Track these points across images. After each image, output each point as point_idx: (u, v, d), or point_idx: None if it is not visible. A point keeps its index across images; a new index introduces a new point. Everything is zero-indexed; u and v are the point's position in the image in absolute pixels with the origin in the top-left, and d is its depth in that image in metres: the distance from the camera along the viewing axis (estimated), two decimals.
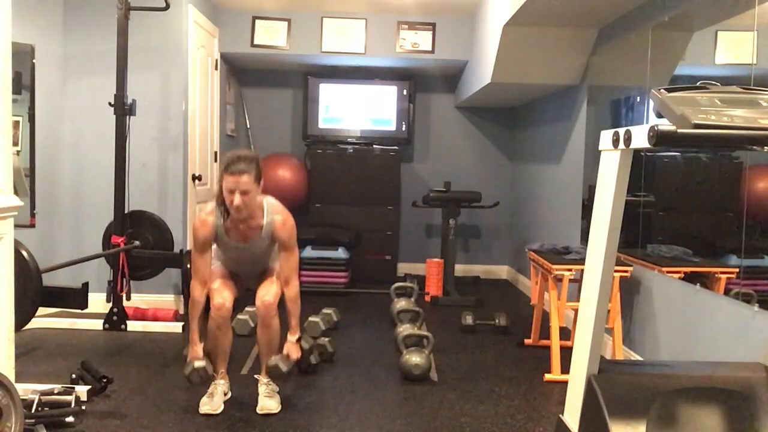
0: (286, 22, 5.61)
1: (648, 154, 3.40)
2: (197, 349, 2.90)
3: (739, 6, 2.68)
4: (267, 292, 2.93)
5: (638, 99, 3.66)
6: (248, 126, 6.50)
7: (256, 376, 3.04)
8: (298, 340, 2.99)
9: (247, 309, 4.11)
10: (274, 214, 2.90)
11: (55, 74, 4.53)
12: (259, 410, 2.88)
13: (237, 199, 2.72)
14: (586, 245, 2.18)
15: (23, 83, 4.17)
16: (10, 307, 2.53)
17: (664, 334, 3.22)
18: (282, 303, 2.96)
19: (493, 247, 6.75)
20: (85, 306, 3.47)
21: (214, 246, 2.99)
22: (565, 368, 2.66)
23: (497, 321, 4.36)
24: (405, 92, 6.33)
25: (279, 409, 2.90)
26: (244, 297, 3.23)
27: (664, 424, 1.91)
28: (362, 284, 5.75)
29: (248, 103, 6.52)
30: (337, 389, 3.24)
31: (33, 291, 2.94)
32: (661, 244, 3.41)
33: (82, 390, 2.87)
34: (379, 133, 6.33)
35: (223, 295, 2.91)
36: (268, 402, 2.90)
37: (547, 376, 3.43)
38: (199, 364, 2.84)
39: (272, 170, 5.96)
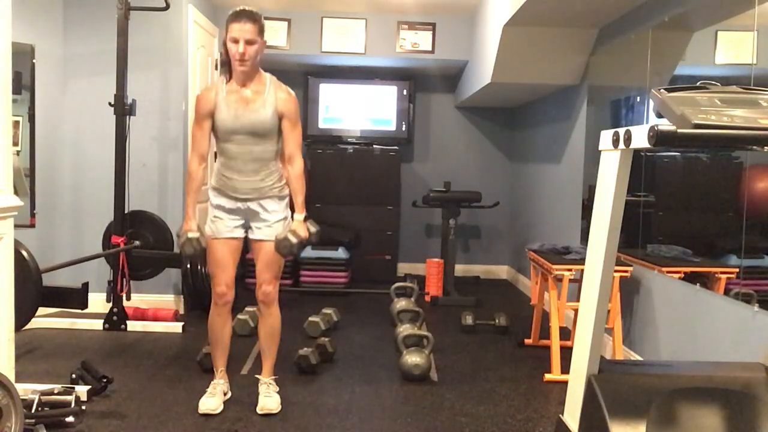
0: (286, 22, 5.61)
1: (648, 154, 3.40)
2: (191, 223, 2.87)
3: (739, 6, 2.68)
4: (266, 280, 2.90)
5: (638, 99, 3.66)
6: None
7: (256, 375, 3.04)
8: (306, 219, 2.89)
9: (247, 309, 4.11)
10: (278, 87, 2.87)
11: (55, 74, 4.53)
12: (259, 410, 2.87)
13: (241, 47, 2.70)
14: (586, 245, 2.18)
15: (23, 83, 4.16)
16: (10, 307, 2.52)
17: (664, 334, 3.22)
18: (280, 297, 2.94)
19: (493, 247, 6.75)
20: (85, 306, 3.47)
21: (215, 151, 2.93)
22: (565, 368, 2.66)
23: (497, 321, 4.36)
24: (405, 92, 6.33)
25: (279, 409, 2.89)
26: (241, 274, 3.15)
27: (664, 424, 1.91)
28: (362, 284, 5.75)
29: None
30: (337, 389, 3.24)
31: (33, 291, 2.94)
32: (661, 244, 3.41)
33: (82, 390, 2.87)
34: (379, 133, 6.33)
35: (225, 281, 2.90)
36: (268, 402, 2.90)
37: (547, 376, 3.43)
38: (192, 234, 2.82)
39: None
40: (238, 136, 2.82)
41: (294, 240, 2.80)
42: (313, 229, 2.91)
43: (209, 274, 3.00)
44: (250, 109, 2.81)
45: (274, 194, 2.91)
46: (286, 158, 2.91)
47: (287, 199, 2.97)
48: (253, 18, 2.75)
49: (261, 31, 2.78)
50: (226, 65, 2.84)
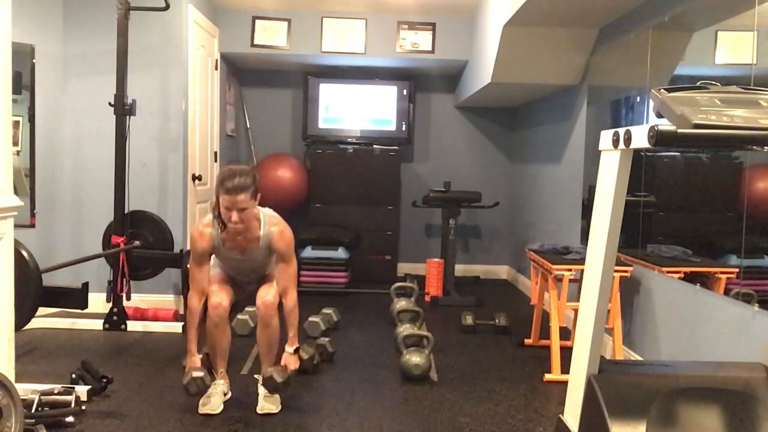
0: (286, 22, 5.61)
1: (648, 154, 3.40)
2: (195, 359, 2.91)
3: (739, 6, 2.68)
4: (267, 292, 2.94)
5: (638, 99, 3.66)
6: (248, 126, 6.50)
7: (255, 376, 3.04)
8: (296, 351, 2.98)
9: (247, 309, 4.11)
10: (271, 225, 2.91)
11: (55, 74, 4.53)
12: (259, 410, 2.88)
13: (234, 217, 2.74)
14: (586, 245, 2.18)
15: (23, 83, 4.17)
16: (10, 307, 2.53)
17: (664, 334, 3.22)
18: (281, 307, 2.97)
19: (493, 247, 6.75)
20: (85, 306, 3.47)
21: (213, 256, 3.01)
22: (565, 368, 2.66)
23: (497, 321, 4.36)
24: (405, 92, 6.33)
25: (279, 409, 2.89)
26: (243, 299, 3.23)
27: (664, 424, 1.91)
28: (362, 284, 5.74)
29: (248, 103, 6.52)
30: (337, 389, 3.24)
31: (33, 291, 2.94)
32: (661, 244, 3.41)
33: (82, 390, 2.87)
34: (379, 133, 6.33)
35: (220, 296, 2.93)
36: (268, 402, 2.90)
37: (547, 376, 3.43)
38: (197, 374, 2.83)
39: (272, 170, 5.96)
40: (236, 267, 3.03)
41: (279, 379, 2.85)
42: (305, 355, 3.13)
43: (208, 292, 2.99)
44: (247, 254, 2.93)
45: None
46: (280, 291, 2.96)
47: None
48: (246, 186, 2.73)
49: (254, 194, 2.79)
50: (219, 218, 2.83)
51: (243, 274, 3.07)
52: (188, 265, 2.99)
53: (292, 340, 2.96)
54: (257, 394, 2.95)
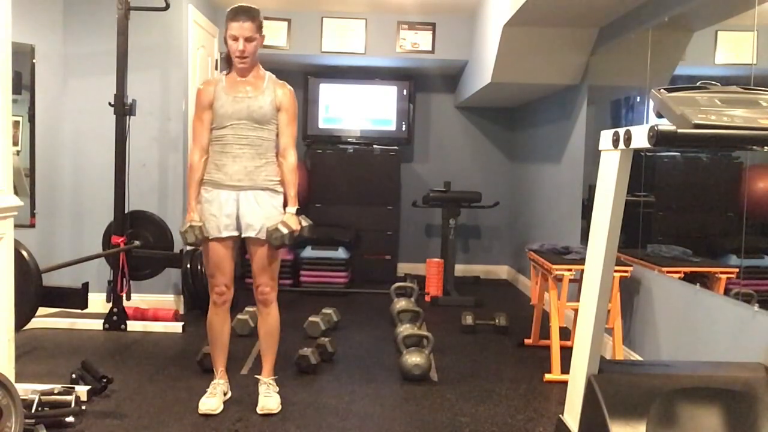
0: (286, 22, 5.61)
1: (648, 154, 3.40)
2: (194, 214, 2.88)
3: (739, 6, 2.68)
4: (264, 280, 2.92)
5: (638, 99, 3.66)
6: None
7: (256, 376, 3.04)
8: (297, 212, 2.94)
9: (247, 309, 4.10)
10: (276, 83, 2.94)
11: (55, 74, 4.53)
12: (259, 410, 2.87)
13: (241, 45, 2.79)
14: (586, 245, 2.18)
15: (23, 83, 4.17)
16: (10, 307, 2.52)
17: (664, 334, 3.22)
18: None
19: (493, 247, 6.75)
20: (85, 306, 3.47)
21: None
22: (565, 368, 2.65)
23: (497, 321, 4.36)
24: (405, 92, 6.33)
25: (279, 409, 2.89)
26: (240, 271, 3.18)
27: (664, 424, 1.91)
28: (362, 284, 5.75)
29: None
30: (337, 389, 3.24)
31: (33, 291, 2.94)
32: (661, 244, 3.41)
33: (82, 390, 2.87)
34: (379, 133, 6.33)
35: (223, 280, 2.91)
36: (268, 402, 2.90)
37: (547, 376, 3.43)
38: (195, 223, 2.84)
39: None
40: (234, 121, 2.86)
41: (285, 230, 2.82)
42: (305, 223, 2.93)
43: (207, 275, 3.00)
44: (249, 96, 2.89)
45: (268, 187, 2.90)
46: (280, 150, 2.95)
47: (281, 198, 2.95)
48: (252, 15, 2.83)
49: (260, 28, 2.87)
50: (226, 60, 2.92)
51: (239, 143, 2.86)
52: (192, 124, 3.00)
53: (293, 199, 2.92)
54: (257, 394, 2.95)
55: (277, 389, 2.98)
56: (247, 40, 2.81)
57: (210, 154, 2.92)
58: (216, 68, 5.43)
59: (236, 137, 2.86)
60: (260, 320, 3.01)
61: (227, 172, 2.86)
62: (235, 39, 2.81)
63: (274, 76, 2.99)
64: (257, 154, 2.88)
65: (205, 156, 2.91)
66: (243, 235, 2.92)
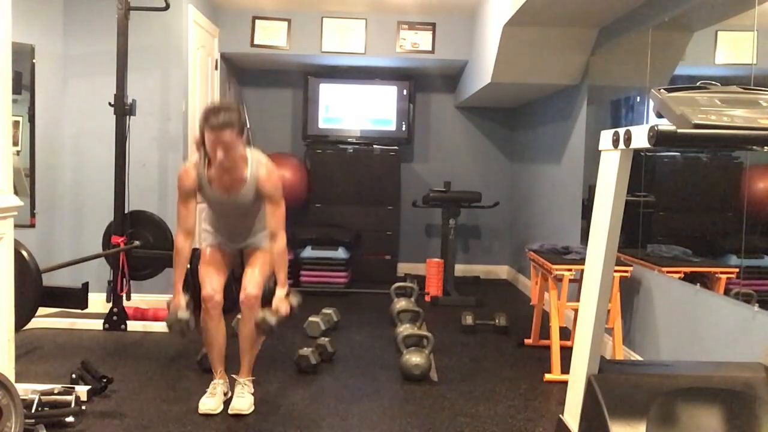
0: (286, 22, 5.61)
1: (648, 154, 3.40)
2: (180, 298, 2.88)
3: (739, 6, 2.68)
4: (250, 282, 2.91)
5: (638, 99, 3.66)
6: (248, 126, 6.48)
7: (233, 375, 3.02)
8: (287, 294, 2.92)
9: None
10: (258, 167, 2.86)
11: (55, 74, 4.53)
12: (229, 410, 2.86)
13: (220, 155, 2.68)
14: (586, 245, 2.18)
15: (23, 83, 4.17)
16: (10, 307, 2.53)
17: (664, 334, 3.22)
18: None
19: (493, 247, 6.75)
20: (85, 306, 3.47)
21: (204, 206, 2.99)
22: (565, 368, 2.65)
23: (497, 321, 4.36)
24: (405, 92, 6.33)
25: (251, 410, 2.87)
26: (231, 281, 3.20)
27: (664, 424, 1.91)
28: (362, 284, 5.75)
29: (248, 103, 6.52)
30: (337, 389, 3.24)
31: (33, 291, 2.94)
32: (661, 244, 3.41)
33: (82, 390, 2.87)
34: (379, 133, 6.33)
35: (212, 285, 2.92)
36: (238, 402, 2.88)
37: (547, 376, 3.43)
38: (182, 315, 2.81)
39: None
40: (227, 214, 2.95)
41: (272, 321, 2.82)
42: (294, 301, 2.97)
43: (199, 279, 2.99)
44: (233, 193, 2.88)
45: (263, 232, 3.01)
46: (269, 233, 2.93)
47: None
48: (230, 122, 2.67)
49: (240, 130, 2.73)
50: (204, 153, 2.78)
51: (231, 221, 2.98)
52: (176, 206, 2.95)
53: (282, 283, 2.90)
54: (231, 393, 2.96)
55: (252, 390, 2.98)
56: (227, 148, 2.68)
57: (207, 212, 3.00)
58: (216, 68, 5.43)
59: (233, 223, 2.99)
60: (241, 324, 2.99)
61: (228, 239, 3.03)
62: (214, 147, 2.68)
63: (256, 155, 2.89)
64: (251, 225, 3.00)
65: (191, 238, 2.91)
66: (244, 250, 3.06)
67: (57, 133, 4.57)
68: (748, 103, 1.75)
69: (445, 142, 6.67)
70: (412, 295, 4.72)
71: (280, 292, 2.89)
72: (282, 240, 2.91)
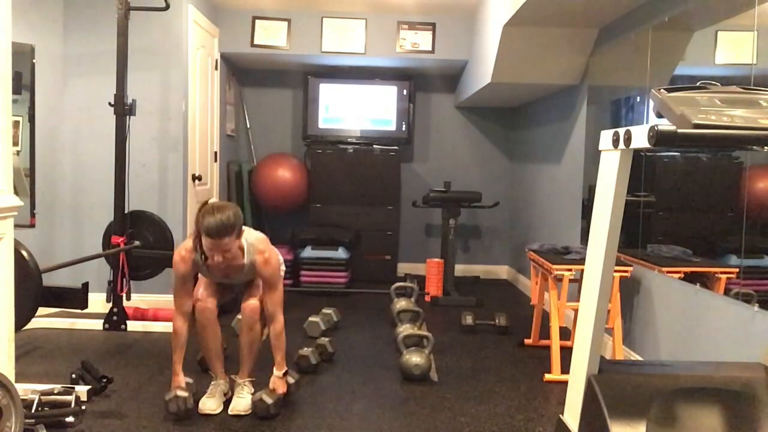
0: (286, 22, 5.61)
1: (648, 154, 3.40)
2: (180, 379, 2.87)
3: (739, 6, 2.68)
4: (252, 295, 2.96)
5: (638, 99, 3.66)
6: (248, 126, 6.50)
7: (232, 376, 3.02)
8: (285, 374, 2.96)
9: None
10: (255, 253, 2.85)
11: (55, 74, 4.53)
12: (230, 411, 2.87)
13: (218, 258, 2.72)
14: (586, 245, 2.18)
15: (23, 83, 4.16)
16: (10, 307, 2.52)
17: (664, 334, 3.22)
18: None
19: (493, 247, 6.75)
20: (85, 306, 3.47)
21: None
22: (565, 368, 2.65)
23: (497, 321, 4.36)
24: (405, 92, 6.33)
25: (250, 411, 2.87)
26: (231, 301, 3.22)
27: (664, 424, 1.91)
28: (362, 284, 5.75)
29: (248, 103, 6.52)
30: (337, 389, 3.24)
31: (33, 291, 2.94)
32: (661, 244, 3.41)
33: (82, 390, 2.87)
34: (379, 133, 6.33)
35: (207, 299, 2.95)
36: (238, 403, 2.89)
37: (547, 376, 3.43)
38: (182, 393, 2.77)
39: (272, 170, 5.96)
40: (222, 284, 3.03)
41: (269, 401, 2.81)
42: (291, 380, 3.00)
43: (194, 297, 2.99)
44: (231, 277, 2.94)
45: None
46: (267, 316, 2.93)
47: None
48: (229, 231, 2.68)
49: (238, 234, 2.75)
50: (200, 249, 2.78)
51: (229, 287, 3.10)
52: (173, 287, 2.94)
53: (279, 364, 2.94)
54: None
55: (252, 391, 2.97)
56: (225, 251, 2.71)
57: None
58: (216, 68, 5.43)
59: (227, 287, 3.08)
60: (242, 333, 2.99)
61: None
62: (212, 251, 2.70)
63: (253, 240, 2.87)
64: (248, 280, 3.04)
65: (188, 321, 2.90)
66: None
67: (57, 133, 4.57)
68: (748, 103, 1.75)
69: (445, 142, 6.67)
70: (412, 295, 4.72)
71: (278, 372, 2.94)
72: (280, 322, 2.92)
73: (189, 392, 2.81)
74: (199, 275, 3.04)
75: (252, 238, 2.88)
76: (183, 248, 2.88)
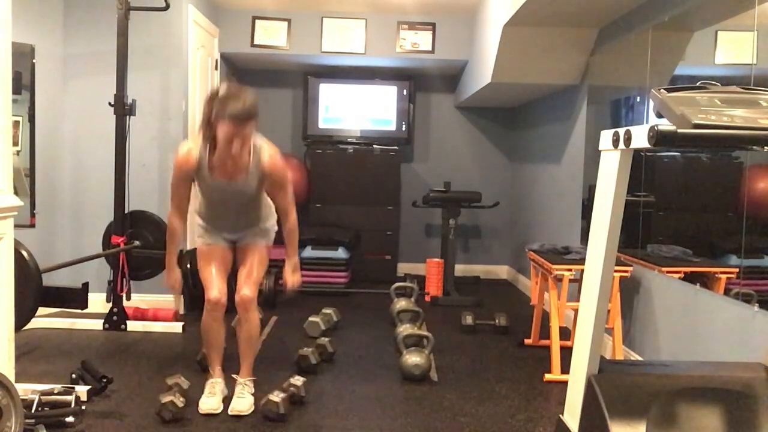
0: (286, 22, 5.61)
1: (648, 154, 3.40)
2: (175, 273, 2.88)
3: (739, 6, 2.68)
4: (246, 283, 2.90)
5: (638, 99, 3.66)
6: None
7: (233, 375, 3.02)
8: (296, 266, 3.00)
9: None
10: (261, 152, 2.76)
11: (55, 74, 4.53)
12: (229, 411, 2.86)
13: (236, 147, 2.60)
14: (586, 245, 2.18)
15: (23, 83, 4.16)
16: (10, 307, 2.52)
17: (664, 334, 3.22)
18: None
19: (493, 247, 6.75)
20: (85, 306, 3.47)
21: (197, 197, 2.93)
22: (565, 368, 2.65)
23: (497, 321, 4.36)
24: (405, 92, 6.33)
25: (251, 410, 2.87)
26: (232, 280, 3.20)
27: (664, 424, 1.91)
28: (362, 284, 5.75)
29: None
30: (337, 389, 3.24)
31: (33, 291, 2.94)
32: (661, 244, 3.41)
33: (82, 390, 2.87)
34: (379, 133, 6.33)
35: (219, 288, 2.89)
36: (239, 403, 2.88)
37: (547, 376, 3.43)
38: (167, 398, 2.73)
39: None
40: (226, 202, 2.87)
41: (282, 410, 2.76)
42: (298, 383, 3.00)
43: (201, 280, 2.96)
44: (235, 181, 2.78)
45: (261, 225, 3.00)
46: (280, 212, 2.94)
47: (273, 220, 3.04)
48: (254, 116, 2.62)
49: (257, 122, 2.67)
50: (209, 140, 2.68)
51: (228, 210, 2.90)
52: (171, 186, 2.84)
53: (291, 256, 2.96)
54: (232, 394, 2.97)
55: (252, 390, 2.98)
56: (245, 140, 2.62)
57: (201, 205, 2.93)
58: (216, 68, 5.43)
59: (231, 213, 2.91)
60: (239, 326, 2.99)
61: (221, 232, 2.96)
62: (231, 138, 2.58)
63: (259, 142, 2.77)
64: (249, 214, 2.95)
65: (185, 218, 2.89)
66: (237, 245, 3.01)
67: (57, 133, 4.57)
68: (748, 103, 1.75)
69: (445, 142, 6.67)
70: (412, 295, 4.72)
71: (290, 262, 2.97)
72: (292, 219, 2.93)
73: (176, 393, 2.79)
74: (200, 254, 2.97)
75: (258, 139, 2.80)
76: (185, 148, 2.76)
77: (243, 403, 2.89)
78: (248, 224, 2.97)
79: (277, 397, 2.80)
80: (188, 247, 4.44)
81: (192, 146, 2.75)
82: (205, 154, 2.72)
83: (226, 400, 2.96)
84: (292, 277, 2.97)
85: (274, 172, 2.80)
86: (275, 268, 5.11)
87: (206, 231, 2.99)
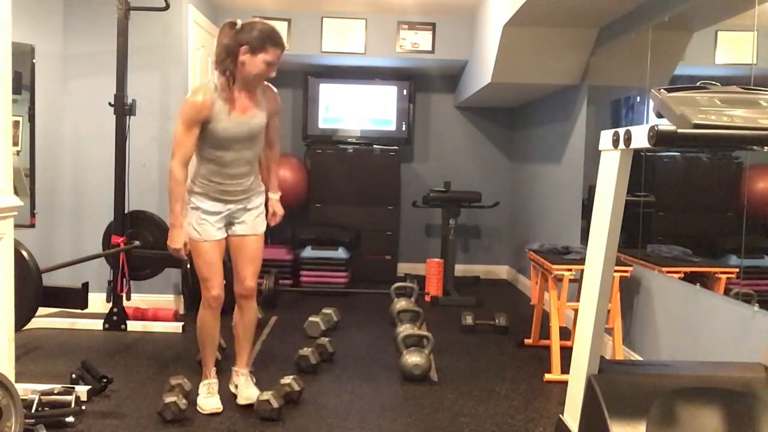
0: (286, 22, 5.61)
1: (648, 154, 3.40)
2: (182, 233, 2.86)
3: (739, 6, 2.68)
4: (248, 275, 2.96)
5: (638, 99, 3.66)
6: None
7: (233, 368, 3.04)
8: (281, 198, 3.13)
9: None
10: (264, 87, 2.93)
11: (55, 74, 4.53)
12: (243, 400, 2.90)
13: (273, 72, 2.78)
14: (586, 245, 2.18)
15: (23, 83, 4.16)
16: (10, 307, 2.52)
17: (664, 334, 3.22)
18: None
19: (493, 247, 6.75)
20: (85, 306, 3.47)
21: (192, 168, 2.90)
22: (565, 368, 2.66)
23: (497, 321, 4.36)
24: (405, 92, 6.33)
25: (257, 395, 2.88)
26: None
27: (664, 424, 1.92)
28: (362, 284, 5.74)
29: None
30: (337, 389, 3.24)
31: (33, 291, 2.94)
32: (661, 244, 3.41)
33: (82, 390, 2.87)
34: (379, 133, 6.33)
35: (219, 284, 2.91)
36: (247, 391, 2.93)
37: (547, 376, 3.43)
38: (170, 399, 2.73)
39: None
40: (236, 144, 2.82)
41: (276, 405, 2.77)
42: (297, 387, 3.01)
43: (200, 277, 2.94)
44: (249, 115, 2.82)
45: (256, 191, 3.00)
46: (268, 143, 3.03)
47: (264, 195, 3.07)
48: (284, 42, 2.85)
49: None
50: (231, 75, 2.75)
51: (233, 160, 2.84)
52: (177, 134, 2.79)
53: (275, 188, 3.11)
54: (236, 386, 3.00)
55: (254, 380, 3.03)
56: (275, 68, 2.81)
57: (201, 168, 2.87)
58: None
59: (236, 158, 2.84)
60: (240, 315, 3.03)
61: (225, 191, 2.88)
62: (271, 64, 2.76)
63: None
64: (251, 168, 2.93)
65: (186, 169, 2.84)
66: (231, 234, 2.96)
67: (57, 133, 4.56)
68: (748, 103, 1.75)
69: (445, 142, 6.67)
70: (412, 295, 4.72)
71: (274, 195, 3.10)
72: (277, 148, 3.11)
73: (179, 394, 2.79)
74: (196, 249, 2.91)
75: None
76: (200, 94, 2.74)
77: (253, 390, 2.92)
78: (249, 188, 2.92)
79: (269, 396, 2.81)
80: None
81: (206, 92, 2.75)
82: (216, 97, 2.75)
83: (226, 401, 2.96)
84: (280, 209, 3.11)
85: (275, 99, 2.96)
86: (275, 268, 5.16)
87: (201, 218, 2.89)
